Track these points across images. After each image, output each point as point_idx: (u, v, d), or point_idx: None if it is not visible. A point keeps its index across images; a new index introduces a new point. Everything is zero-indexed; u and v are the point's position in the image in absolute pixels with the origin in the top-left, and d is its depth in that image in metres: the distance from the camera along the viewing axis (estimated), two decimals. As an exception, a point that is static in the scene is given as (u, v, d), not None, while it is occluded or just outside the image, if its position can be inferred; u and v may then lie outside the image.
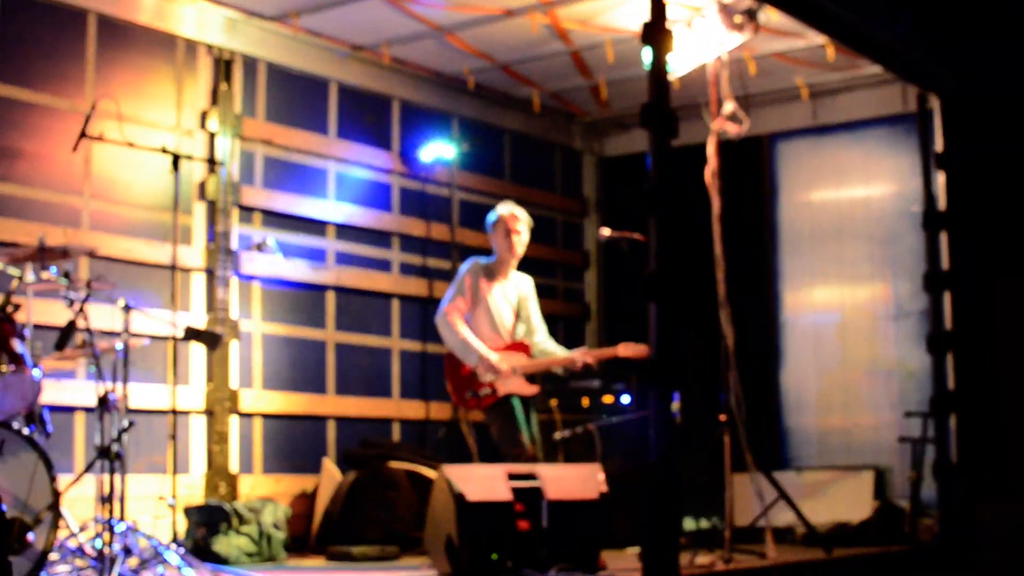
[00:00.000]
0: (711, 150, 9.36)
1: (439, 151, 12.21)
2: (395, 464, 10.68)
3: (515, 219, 9.47)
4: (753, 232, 13.09)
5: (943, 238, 11.08)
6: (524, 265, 9.60)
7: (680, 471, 7.13)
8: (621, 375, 11.33)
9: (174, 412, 8.24)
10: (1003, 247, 11.19)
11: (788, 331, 13.05)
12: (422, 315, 12.16)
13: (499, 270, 9.54)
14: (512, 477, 7.99)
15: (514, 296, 9.57)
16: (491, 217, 9.54)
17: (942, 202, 11.11)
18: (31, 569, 6.72)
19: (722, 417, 9.11)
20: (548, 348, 9.54)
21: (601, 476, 8.20)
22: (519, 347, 9.40)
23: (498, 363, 9.19)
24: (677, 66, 9.98)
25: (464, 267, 9.50)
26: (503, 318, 9.46)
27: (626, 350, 9.47)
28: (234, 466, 10.45)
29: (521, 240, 9.49)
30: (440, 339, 9.40)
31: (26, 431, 7.08)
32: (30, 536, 6.71)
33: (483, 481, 7.89)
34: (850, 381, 12.64)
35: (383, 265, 12.01)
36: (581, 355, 9.42)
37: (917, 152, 11.39)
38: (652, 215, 7.29)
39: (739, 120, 9.43)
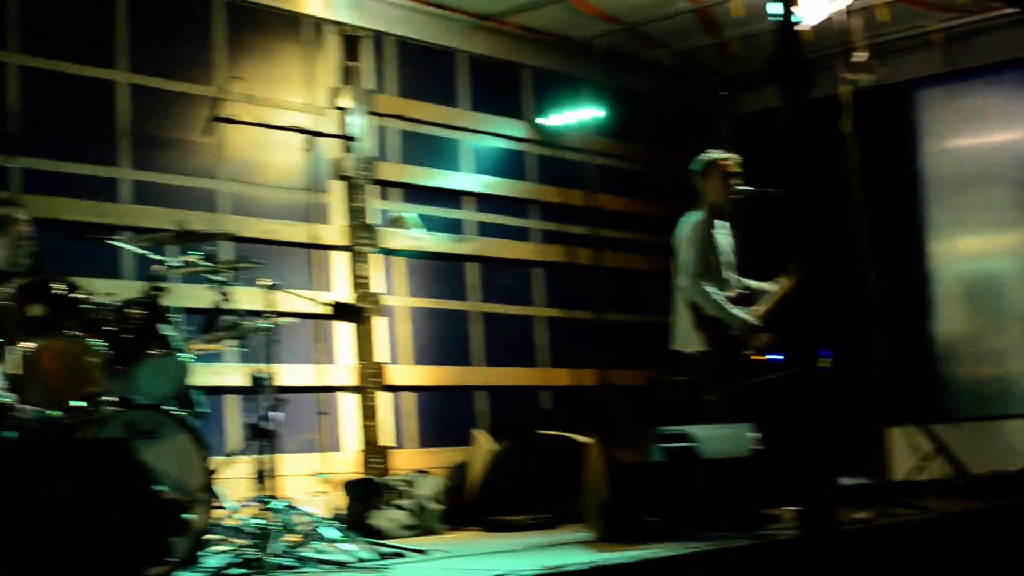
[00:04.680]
0: (846, 100, 9.21)
1: (571, 117, 12.16)
2: (546, 432, 10.65)
3: (731, 161, 8.94)
4: (895, 182, 12.88)
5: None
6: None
7: (834, 427, 7.03)
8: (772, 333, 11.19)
9: (322, 389, 8.26)
10: None
11: (936, 281, 12.84)
12: (564, 282, 12.13)
13: (717, 217, 8.99)
14: (664, 438, 7.93)
15: (728, 241, 9.13)
16: (702, 161, 9.00)
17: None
18: (190, 548, 6.78)
19: (873, 371, 8.97)
20: (750, 284, 9.15)
21: (754, 434, 8.11)
22: (742, 298, 9.01)
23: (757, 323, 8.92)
24: (806, 17, 9.83)
25: (690, 225, 8.89)
26: (733, 267, 9.04)
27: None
28: (386, 440, 10.51)
29: (738, 182, 8.94)
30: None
31: (178, 413, 7.14)
32: (187, 516, 6.76)
33: (636, 444, 7.84)
34: (1002, 328, 12.43)
35: (522, 234, 11.98)
36: (779, 285, 9.09)
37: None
38: (788, 170, 7.19)
39: (872, 68, 9.27)
